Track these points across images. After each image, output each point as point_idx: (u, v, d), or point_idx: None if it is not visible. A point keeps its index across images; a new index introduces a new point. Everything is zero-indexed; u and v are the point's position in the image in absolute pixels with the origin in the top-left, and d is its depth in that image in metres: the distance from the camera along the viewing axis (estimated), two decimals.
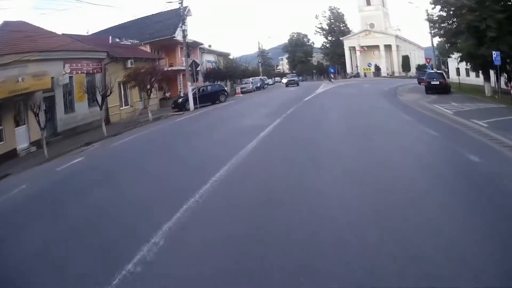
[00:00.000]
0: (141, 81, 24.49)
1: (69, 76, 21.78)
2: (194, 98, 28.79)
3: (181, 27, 32.14)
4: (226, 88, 33.40)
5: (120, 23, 42.45)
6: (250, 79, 48.11)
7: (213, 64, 46.63)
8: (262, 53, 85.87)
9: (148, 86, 24.87)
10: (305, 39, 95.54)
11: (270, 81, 66.97)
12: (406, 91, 29.18)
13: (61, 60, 21.10)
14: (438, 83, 25.79)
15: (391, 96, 25.36)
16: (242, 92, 41.97)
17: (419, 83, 38.52)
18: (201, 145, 12.30)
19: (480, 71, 27.98)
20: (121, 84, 26.71)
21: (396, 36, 75.75)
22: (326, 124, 13.84)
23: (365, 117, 14.96)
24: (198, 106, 28.71)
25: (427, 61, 44.55)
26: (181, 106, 28.76)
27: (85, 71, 23.33)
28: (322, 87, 36.33)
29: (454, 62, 43.43)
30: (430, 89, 25.56)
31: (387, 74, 76.41)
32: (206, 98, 30.65)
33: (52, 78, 19.58)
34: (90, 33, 39.85)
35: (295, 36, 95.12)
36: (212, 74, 40.60)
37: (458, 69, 37.29)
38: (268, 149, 10.14)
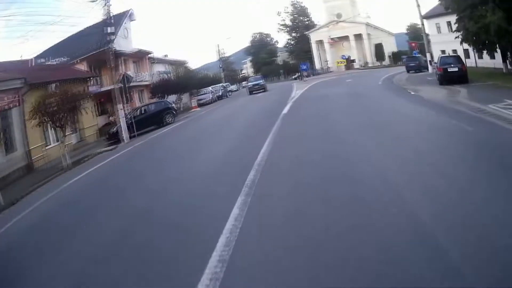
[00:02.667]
0: (50, 114, 16.25)
1: None
2: (131, 124, 21.16)
3: (107, 30, 24.09)
4: (173, 105, 25.56)
5: (59, 41, 34.54)
6: (210, 88, 40.41)
7: (166, 75, 38.67)
8: (223, 58, 78.90)
9: (58, 121, 16.53)
10: (268, 39, 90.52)
11: (234, 87, 59.59)
12: (409, 83, 22.18)
13: None
14: (456, 69, 18.93)
15: (400, 91, 18.43)
16: (200, 105, 34.36)
17: (408, 71, 33.99)
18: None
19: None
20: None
21: (367, 24, 69.91)
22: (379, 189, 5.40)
23: (418, 143, 7.51)
24: (136, 134, 21.04)
25: (412, 45, 38.32)
26: (116, 137, 21.14)
27: None
28: (296, 89, 28.90)
29: (439, 45, 38.03)
30: (447, 79, 18.72)
31: (360, 65, 70.58)
32: (147, 122, 23.04)
33: None
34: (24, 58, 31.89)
35: (257, 36, 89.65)
36: (160, 88, 32.75)
37: (466, 51, 30.67)
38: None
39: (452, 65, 19.09)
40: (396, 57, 68.66)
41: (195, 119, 22.83)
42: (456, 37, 26.10)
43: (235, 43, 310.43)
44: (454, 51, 43.58)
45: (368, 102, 14.92)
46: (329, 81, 35.87)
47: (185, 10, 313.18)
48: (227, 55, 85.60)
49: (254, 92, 35.81)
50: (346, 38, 71.31)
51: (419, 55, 38.16)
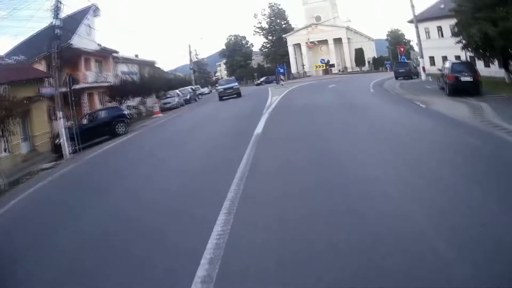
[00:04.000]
0: None
1: None
2: (76, 134, 16.84)
3: (55, 20, 19.48)
4: (126, 112, 21.08)
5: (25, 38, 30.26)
6: (177, 91, 35.94)
7: (129, 75, 34.00)
8: (195, 59, 74.68)
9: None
10: (243, 41, 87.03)
11: (205, 90, 55.07)
12: (408, 91, 18.43)
13: None
14: (470, 79, 15.48)
15: (404, 102, 14.65)
16: (164, 110, 30.04)
17: (397, 77, 30.63)
18: None
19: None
20: None
21: (347, 28, 67.04)
22: None
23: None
24: (80, 148, 16.72)
25: (400, 50, 35.24)
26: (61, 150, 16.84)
27: None
28: (272, 95, 24.90)
29: (428, 51, 35.23)
30: (458, 89, 15.31)
31: (339, 70, 67.74)
32: (96, 132, 18.69)
33: None
34: None
35: (232, 39, 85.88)
36: (120, 90, 28.27)
37: (473, 58, 27.51)
38: None
39: (464, 74, 15.65)
40: (377, 63, 66.17)
41: (152, 130, 18.56)
42: (457, 42, 23.12)
43: (211, 45, 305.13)
44: (444, 57, 41.21)
45: (372, 117, 11.05)
46: (309, 86, 31.98)
47: (160, 11, 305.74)
48: (201, 57, 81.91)
49: (225, 97, 29.23)
50: (325, 42, 68.35)
51: (408, 61, 35.09)
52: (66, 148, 16.09)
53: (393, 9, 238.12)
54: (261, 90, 33.90)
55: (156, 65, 49.25)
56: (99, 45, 32.41)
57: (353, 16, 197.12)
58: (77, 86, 28.59)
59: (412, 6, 28.39)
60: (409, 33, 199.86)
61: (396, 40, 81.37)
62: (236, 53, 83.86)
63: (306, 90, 27.17)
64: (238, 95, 29.49)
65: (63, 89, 22.33)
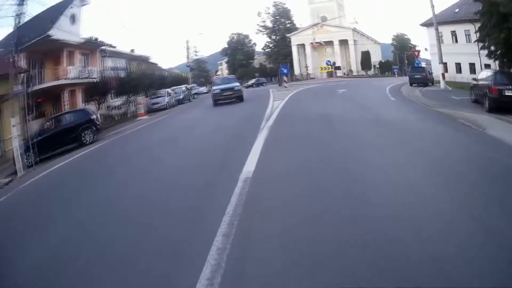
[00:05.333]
0: None
1: None
2: (34, 144, 14.05)
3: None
4: (95, 116, 17.92)
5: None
6: (168, 89, 32.84)
7: (117, 72, 31.04)
8: (196, 57, 71.87)
9: None
10: (246, 40, 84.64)
11: (203, 89, 51.84)
12: (436, 103, 15.22)
13: None
14: None
15: (443, 118, 11.33)
16: (151, 111, 27.10)
17: (411, 84, 27.80)
18: None
19: None
20: None
21: (354, 30, 64.09)
22: None
23: None
24: (38, 160, 13.91)
25: (414, 54, 32.44)
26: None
27: None
28: (273, 99, 21.52)
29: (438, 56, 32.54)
30: (501, 105, 12.44)
31: (344, 73, 64.87)
32: (58, 141, 15.79)
33: None
34: None
35: (235, 37, 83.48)
36: (99, 88, 25.33)
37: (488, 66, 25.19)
38: None
39: (510, 87, 12.70)
40: (383, 67, 63.40)
41: (121, 140, 15.47)
42: (481, 48, 21.53)
43: (214, 45, 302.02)
44: (458, 64, 38.36)
45: (416, 145, 7.70)
46: (316, 90, 28.81)
47: (164, 9, 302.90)
48: (203, 55, 79.23)
49: (221, 101, 21.78)
50: (330, 43, 65.43)
51: (424, 66, 32.22)
52: (20, 161, 13.15)
53: (399, 13, 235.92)
54: (260, 92, 30.43)
55: (150, 61, 46.46)
56: (84, 38, 29.57)
57: (358, 19, 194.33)
58: (55, 83, 26.00)
59: (432, 6, 25.55)
60: (417, 38, 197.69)
61: (401, 45, 78.99)
62: (238, 52, 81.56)
63: (313, 94, 23.92)
64: (239, 98, 22.20)
65: (51, 83, 19.60)
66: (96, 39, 41.46)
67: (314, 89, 30.23)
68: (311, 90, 27.83)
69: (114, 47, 48.26)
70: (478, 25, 33.27)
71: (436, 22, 25.91)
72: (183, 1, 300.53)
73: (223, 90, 22.08)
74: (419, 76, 27.91)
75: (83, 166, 11.30)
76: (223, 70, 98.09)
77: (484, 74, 15.32)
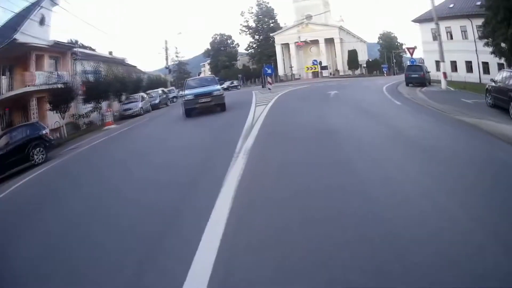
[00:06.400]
0: None
1: None
2: None
3: None
4: (45, 132, 15.01)
5: None
6: (142, 94, 30.00)
7: (85, 75, 28.05)
8: (177, 59, 69.19)
9: None
10: (229, 41, 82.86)
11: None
12: (451, 108, 12.81)
13: None
14: None
15: (483, 135, 7.99)
16: (124, 118, 24.44)
17: (408, 83, 25.50)
18: None
19: None
20: None
21: (340, 28, 62.05)
22: None
23: None
24: None
25: (409, 52, 30.35)
26: None
27: None
28: (256, 104, 18.54)
29: (434, 54, 30.68)
30: None
31: (330, 73, 62.83)
32: (7, 160, 12.90)
33: None
34: None
35: (217, 38, 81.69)
36: (63, 95, 22.42)
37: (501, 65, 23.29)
38: None
39: None
40: (371, 66, 61.57)
41: (77, 159, 12.71)
42: (485, 45, 20.47)
43: (197, 47, 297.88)
44: (453, 62, 36.43)
45: (458, 175, 5.11)
46: (304, 92, 26.14)
47: (145, 12, 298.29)
48: (185, 58, 76.94)
49: (196, 110, 16.69)
50: (316, 42, 63.29)
51: (421, 64, 30.06)
52: None
53: (385, 10, 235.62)
54: (240, 95, 27.56)
55: (128, 63, 43.58)
56: (54, 40, 26.85)
57: (344, 18, 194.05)
58: (21, 90, 23.16)
59: None
60: (404, 36, 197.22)
61: (388, 43, 77.58)
62: (220, 53, 79.73)
63: (302, 98, 21.06)
64: (221, 107, 16.97)
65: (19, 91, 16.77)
66: (76, 41, 38.12)
67: (301, 91, 27.63)
68: (299, 93, 25.14)
69: (93, 50, 45.34)
70: (475, 20, 31.60)
71: (436, 16, 23.59)
72: (165, 4, 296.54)
73: (198, 95, 16.40)
74: (417, 75, 25.63)
75: (22, 198, 8.59)
76: (206, 72, 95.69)
77: (505, 75, 13.06)
